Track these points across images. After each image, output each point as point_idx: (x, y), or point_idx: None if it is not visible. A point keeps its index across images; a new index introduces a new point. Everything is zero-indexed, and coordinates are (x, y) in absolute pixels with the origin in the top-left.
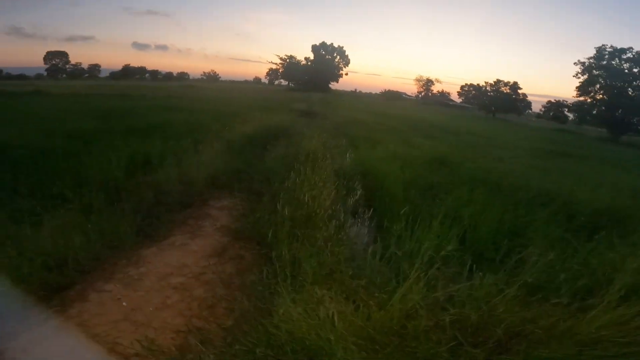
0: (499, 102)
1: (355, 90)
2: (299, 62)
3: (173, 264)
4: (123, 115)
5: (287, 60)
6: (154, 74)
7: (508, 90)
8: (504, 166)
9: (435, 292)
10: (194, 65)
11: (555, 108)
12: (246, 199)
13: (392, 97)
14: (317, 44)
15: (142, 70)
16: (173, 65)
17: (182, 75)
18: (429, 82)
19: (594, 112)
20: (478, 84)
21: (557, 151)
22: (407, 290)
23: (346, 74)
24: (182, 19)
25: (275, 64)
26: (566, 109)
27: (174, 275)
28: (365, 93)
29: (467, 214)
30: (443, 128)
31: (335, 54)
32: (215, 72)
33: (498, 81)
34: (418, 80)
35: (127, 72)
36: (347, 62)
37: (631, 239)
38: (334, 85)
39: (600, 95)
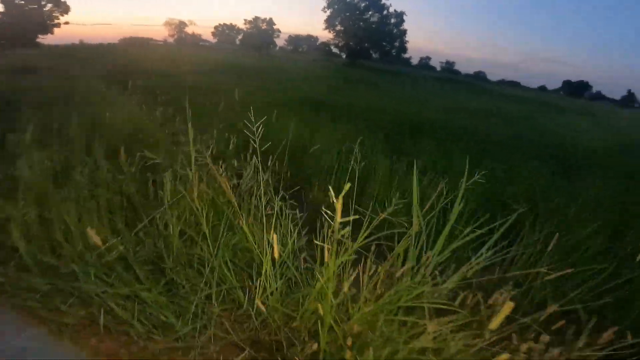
0: (258, 38)
1: (81, 41)
2: None
3: None
4: None
5: None
6: None
7: (265, 27)
8: (365, 100)
9: None
10: None
11: (294, 42)
12: None
13: (137, 43)
14: None
15: None
16: None
17: None
18: (181, 25)
19: (337, 42)
20: (231, 23)
21: (348, 79)
22: None
23: (65, 23)
24: None
25: None
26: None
27: None
28: (96, 44)
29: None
30: (238, 67)
31: (44, 2)
32: None
33: (256, 18)
34: (169, 23)
35: None
36: (64, 9)
37: None
38: (45, 39)
39: (339, 27)
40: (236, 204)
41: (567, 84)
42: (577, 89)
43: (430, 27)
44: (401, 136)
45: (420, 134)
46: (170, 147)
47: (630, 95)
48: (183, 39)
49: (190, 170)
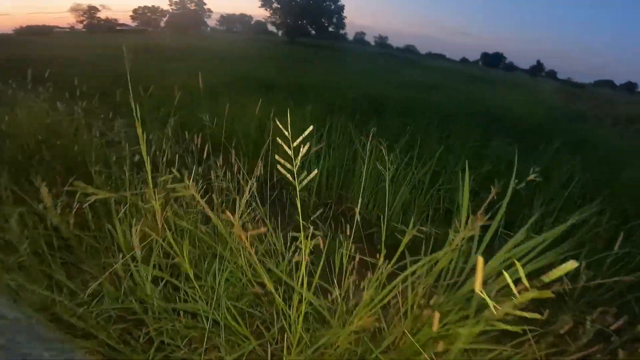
0: (186, 19)
1: None
2: None
3: None
4: None
5: None
6: None
7: (194, 7)
8: (317, 79)
9: None
10: None
11: (227, 22)
12: None
13: (38, 32)
14: None
15: None
16: None
17: None
18: (92, 10)
19: (274, 20)
20: (153, 5)
21: (291, 57)
22: None
23: None
24: None
25: None
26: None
27: None
28: None
29: None
30: (167, 50)
31: None
32: None
33: None
34: (75, 9)
35: None
36: None
37: None
38: None
39: (276, 4)
40: (245, 240)
41: (485, 55)
42: (493, 60)
43: (362, 2)
44: (370, 116)
45: (394, 113)
46: (105, 154)
47: (539, 66)
48: (95, 25)
49: (144, 192)
